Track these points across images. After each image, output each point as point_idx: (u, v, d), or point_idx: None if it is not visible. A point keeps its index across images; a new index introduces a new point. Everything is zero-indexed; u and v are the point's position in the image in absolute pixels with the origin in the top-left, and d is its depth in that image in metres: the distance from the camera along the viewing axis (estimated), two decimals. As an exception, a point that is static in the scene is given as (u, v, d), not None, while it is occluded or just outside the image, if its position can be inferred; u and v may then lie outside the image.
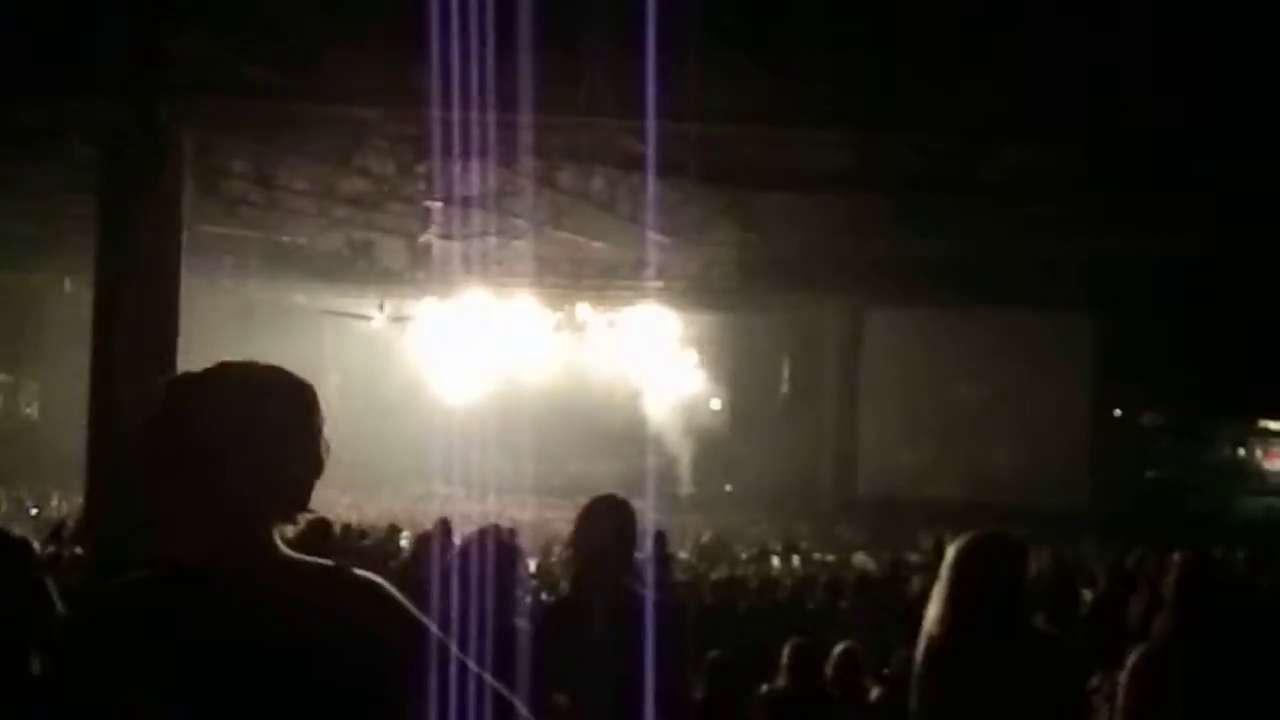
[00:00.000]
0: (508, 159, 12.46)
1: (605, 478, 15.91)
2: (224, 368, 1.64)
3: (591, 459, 20.10)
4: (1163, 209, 13.25)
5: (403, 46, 6.51)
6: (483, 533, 3.48)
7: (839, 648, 5.76)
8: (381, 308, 21.82)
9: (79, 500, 11.27)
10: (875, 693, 5.65)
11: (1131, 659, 3.25)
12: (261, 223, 16.23)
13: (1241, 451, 22.32)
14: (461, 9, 6.47)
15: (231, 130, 11.81)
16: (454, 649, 1.62)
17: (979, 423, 19.96)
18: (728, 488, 22.86)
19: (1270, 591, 8.55)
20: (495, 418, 22.57)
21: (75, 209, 12.93)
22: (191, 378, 1.63)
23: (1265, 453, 22.32)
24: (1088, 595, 7.78)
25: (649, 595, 3.35)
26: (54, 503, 16.07)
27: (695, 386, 23.26)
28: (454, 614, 3.22)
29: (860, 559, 13.24)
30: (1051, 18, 8.34)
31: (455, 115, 8.15)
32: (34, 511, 15.55)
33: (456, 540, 4.98)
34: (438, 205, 14.06)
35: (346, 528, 11.47)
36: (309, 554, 1.71)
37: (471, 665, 1.63)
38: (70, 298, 19.55)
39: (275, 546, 1.60)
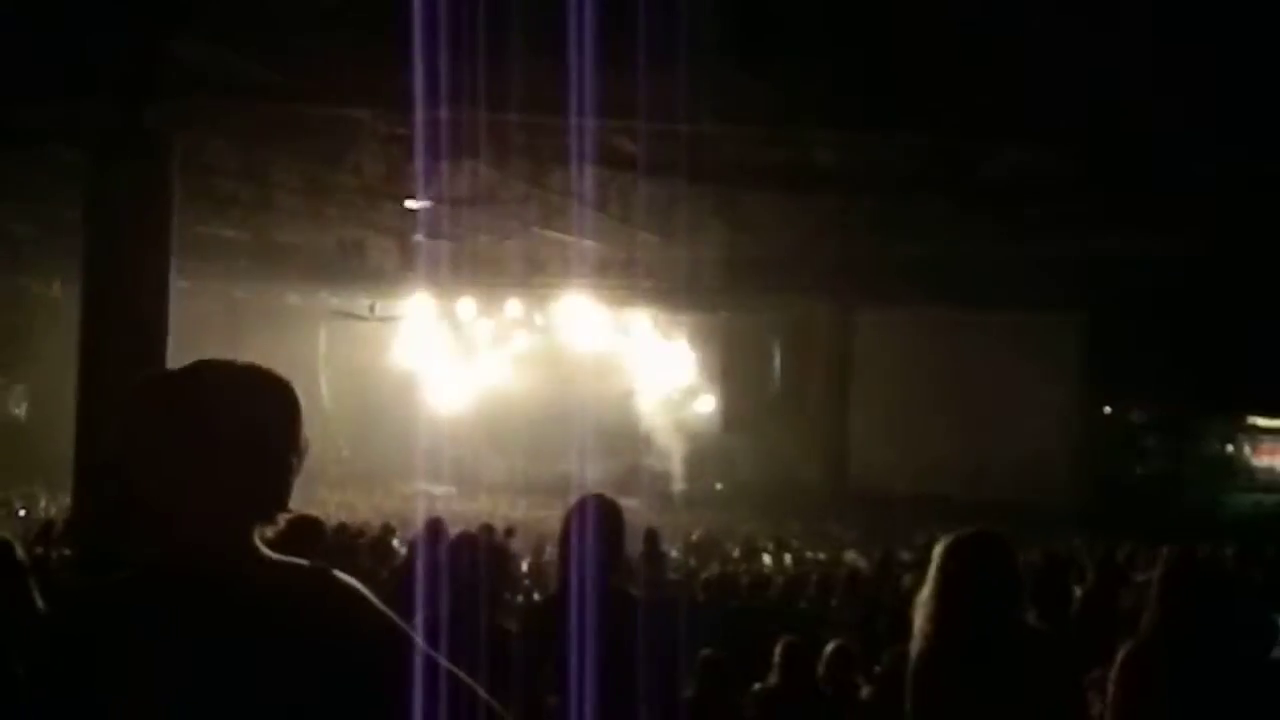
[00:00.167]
0: (498, 159, 12.46)
1: (597, 476, 15.94)
2: (200, 366, 1.62)
3: (583, 458, 20.09)
4: (1157, 209, 13.30)
5: (393, 47, 6.50)
6: (472, 535, 3.49)
7: (831, 645, 5.77)
8: (372, 308, 21.79)
9: (67, 501, 11.23)
10: (867, 690, 5.67)
11: (1120, 653, 3.28)
12: (252, 223, 16.21)
13: (1230, 448, 22.40)
14: (452, 9, 6.47)
15: (222, 130, 11.79)
16: (429, 650, 1.61)
17: (968, 420, 20.01)
18: (719, 485, 22.89)
19: (1261, 587, 8.59)
20: (486, 417, 22.61)
21: (64, 210, 12.89)
22: (167, 376, 1.62)
23: (1254, 449, 22.40)
24: (1077, 591, 7.82)
25: (639, 594, 3.36)
26: (42, 504, 16.01)
27: (686, 385, 23.30)
28: (443, 614, 3.23)
29: (851, 556, 13.27)
30: (1051, 18, 8.35)
31: (445, 115, 8.15)
32: (22, 512, 15.49)
33: (448, 540, 4.98)
34: (429, 205, 14.05)
35: (342, 527, 11.45)
36: (301, 553, 1.71)
37: (448, 666, 1.62)
38: (59, 300, 19.50)
39: (255, 546, 1.59)
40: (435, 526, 6.39)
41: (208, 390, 1.58)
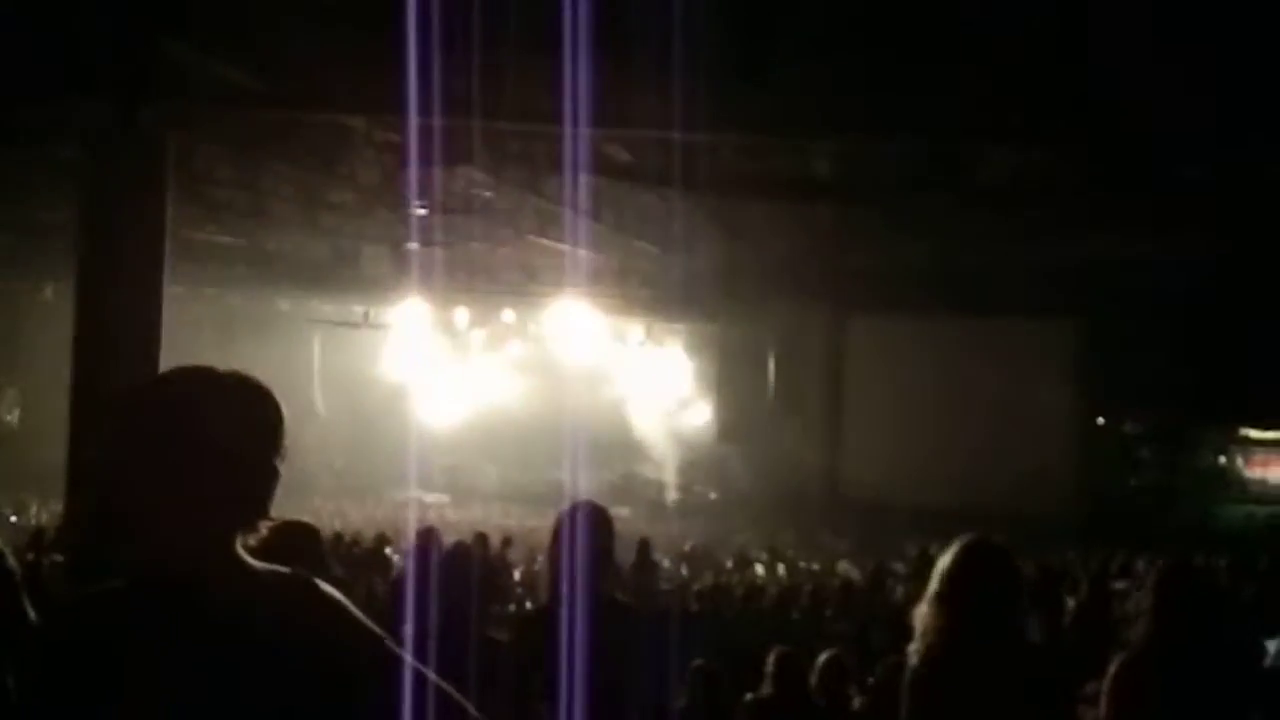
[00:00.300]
0: (493, 167, 12.47)
1: (590, 485, 15.91)
2: (174, 375, 1.61)
3: (576, 466, 20.06)
4: (1157, 211, 13.30)
5: (388, 54, 6.51)
6: (466, 546, 3.48)
7: (824, 656, 5.76)
8: (366, 315, 21.77)
9: (59, 508, 11.19)
10: (859, 701, 5.65)
11: (1112, 665, 3.27)
12: (246, 229, 16.19)
13: (1223, 459, 22.41)
14: (447, 17, 6.47)
15: (216, 136, 11.78)
16: (413, 661, 1.61)
17: (962, 430, 20.01)
18: (713, 495, 22.86)
19: (1253, 599, 8.59)
20: (480, 425, 22.58)
21: (57, 214, 12.87)
22: (141, 387, 1.60)
23: (1247, 460, 22.40)
24: (1071, 602, 7.82)
25: (630, 601, 3.35)
26: (33, 511, 15.95)
27: (680, 394, 23.28)
28: (433, 626, 3.21)
29: (844, 567, 13.25)
30: (1051, 18, 8.36)
31: (439, 123, 8.14)
32: (13, 519, 15.44)
33: (442, 549, 4.96)
34: (423, 212, 14.05)
35: (338, 536, 11.43)
36: (295, 559, 1.71)
37: (430, 676, 1.62)
38: (51, 304, 19.45)
39: (236, 554, 1.58)
40: (428, 536, 6.36)
41: (180, 399, 1.56)
